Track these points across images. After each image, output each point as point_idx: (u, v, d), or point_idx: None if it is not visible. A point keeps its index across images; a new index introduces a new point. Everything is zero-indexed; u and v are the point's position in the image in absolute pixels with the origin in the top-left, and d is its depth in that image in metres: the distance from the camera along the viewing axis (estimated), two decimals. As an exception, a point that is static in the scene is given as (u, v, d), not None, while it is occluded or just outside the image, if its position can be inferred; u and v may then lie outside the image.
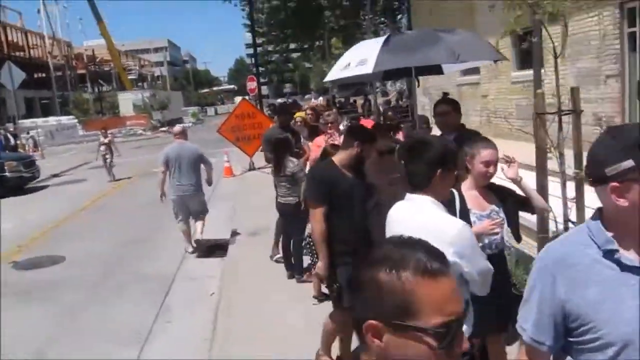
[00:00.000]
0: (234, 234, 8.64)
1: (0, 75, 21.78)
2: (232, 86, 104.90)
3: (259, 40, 25.58)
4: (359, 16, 27.96)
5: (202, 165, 7.91)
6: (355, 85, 26.24)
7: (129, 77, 62.78)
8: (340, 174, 3.67)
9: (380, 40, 4.57)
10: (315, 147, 6.23)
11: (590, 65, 10.70)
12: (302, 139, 7.30)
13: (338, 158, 3.77)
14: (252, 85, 21.96)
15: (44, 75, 60.61)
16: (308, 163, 6.37)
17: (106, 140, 16.23)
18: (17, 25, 58.52)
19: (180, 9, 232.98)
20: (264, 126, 15.19)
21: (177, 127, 8.71)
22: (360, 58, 4.27)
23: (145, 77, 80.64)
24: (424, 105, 18.92)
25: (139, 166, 19.46)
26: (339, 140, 6.18)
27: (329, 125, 6.32)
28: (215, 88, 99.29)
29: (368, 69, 4.11)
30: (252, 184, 12.97)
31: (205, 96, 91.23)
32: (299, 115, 8.59)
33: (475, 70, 16.29)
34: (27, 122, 39.63)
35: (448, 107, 4.23)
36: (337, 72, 5.06)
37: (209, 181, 8.25)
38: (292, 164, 5.81)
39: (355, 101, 28.81)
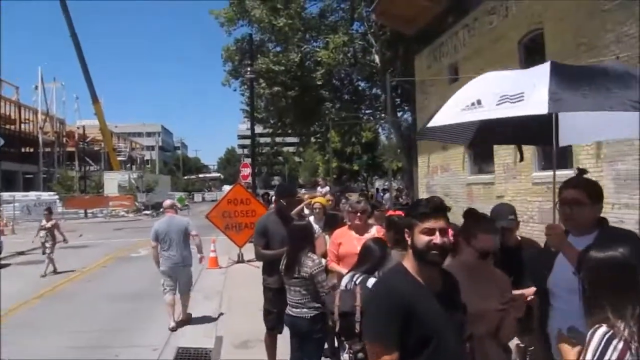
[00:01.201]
0: (219, 341, 6.97)
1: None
2: (217, 174, 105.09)
3: (256, 128, 24.86)
4: (360, 110, 27.64)
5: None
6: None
7: (119, 158, 62.14)
8: (422, 292, 2.23)
9: (537, 70, 2.89)
10: (346, 240, 4.88)
11: (633, 167, 9.62)
12: (315, 230, 5.85)
13: (410, 263, 2.34)
14: (245, 171, 20.81)
15: (31, 150, 60.00)
16: (325, 262, 4.91)
17: (48, 225, 13.48)
18: (12, 98, 58.44)
19: (176, 96, 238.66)
20: (258, 214, 13.81)
21: (168, 201, 8.85)
22: (505, 93, 2.59)
23: (135, 159, 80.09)
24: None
25: (114, 249, 17.77)
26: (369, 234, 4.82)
27: (358, 215, 4.92)
28: (200, 175, 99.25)
29: (531, 107, 2.49)
30: (241, 279, 11.33)
31: (193, 182, 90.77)
32: (318, 200, 7.25)
33: (487, 168, 15.26)
34: (6, 195, 38.38)
35: (581, 194, 2.75)
36: (456, 113, 3.20)
37: (200, 248, 8.44)
38: (311, 262, 4.33)
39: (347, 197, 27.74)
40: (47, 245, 13.21)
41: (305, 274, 4.29)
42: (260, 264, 5.72)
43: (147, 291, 10.40)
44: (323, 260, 4.59)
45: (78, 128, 66.25)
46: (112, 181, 45.48)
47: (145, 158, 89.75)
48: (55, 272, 13.15)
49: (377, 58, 24.87)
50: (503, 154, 13.93)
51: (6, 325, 8.01)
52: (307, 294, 4.32)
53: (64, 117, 68.78)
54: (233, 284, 10.88)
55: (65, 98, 69.02)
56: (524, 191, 13.02)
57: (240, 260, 13.52)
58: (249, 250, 13.87)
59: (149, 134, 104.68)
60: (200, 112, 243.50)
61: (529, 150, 12.93)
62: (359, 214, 4.93)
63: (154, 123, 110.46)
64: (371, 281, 3.48)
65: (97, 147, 67.36)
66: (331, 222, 5.78)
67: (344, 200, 8.72)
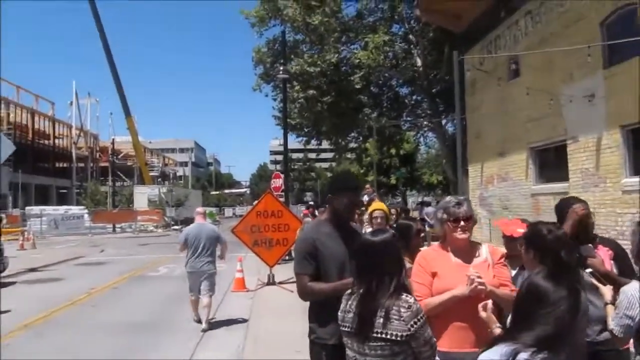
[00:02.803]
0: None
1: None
2: (243, 190, 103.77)
3: (289, 139, 23.16)
4: (400, 118, 25.64)
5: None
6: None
7: (151, 173, 61.46)
8: None
9: None
10: (444, 269, 2.87)
11: None
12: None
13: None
14: (277, 182, 18.98)
15: (65, 165, 60.02)
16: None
17: None
18: (48, 114, 58.61)
19: (210, 112, 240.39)
20: (292, 229, 11.98)
21: (199, 209, 9.34)
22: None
23: (168, 175, 79.56)
24: (480, 219, 15.55)
25: (133, 266, 16.15)
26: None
27: (461, 224, 2.93)
28: (227, 191, 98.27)
29: None
30: (271, 306, 9.45)
31: (225, 198, 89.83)
32: (379, 207, 5.41)
33: (558, 175, 13.08)
34: (36, 209, 37.75)
35: None
36: None
37: (222, 256, 8.96)
38: (406, 307, 2.34)
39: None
40: None
41: (397, 333, 2.36)
42: (294, 287, 3.79)
43: (156, 321, 8.66)
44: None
45: (112, 144, 66.03)
46: (142, 195, 44.38)
47: (178, 174, 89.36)
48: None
49: (419, 61, 22.96)
50: (580, 157, 11.75)
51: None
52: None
53: (97, 132, 68.92)
54: (262, 312, 8.99)
55: (99, 114, 69.24)
56: (611, 202, 10.81)
57: (271, 282, 11.65)
58: (281, 270, 12.08)
59: (182, 150, 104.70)
60: (234, 128, 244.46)
61: (615, 153, 10.78)
62: (461, 223, 2.97)
63: (187, 139, 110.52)
64: None
65: (130, 162, 66.96)
66: (405, 236, 3.78)
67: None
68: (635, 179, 10.17)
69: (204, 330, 7.82)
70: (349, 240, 3.03)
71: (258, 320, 8.35)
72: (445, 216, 3.00)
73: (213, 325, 8.13)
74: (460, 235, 2.92)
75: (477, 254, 2.99)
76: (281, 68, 16.24)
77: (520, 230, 3.35)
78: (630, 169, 10.43)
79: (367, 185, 12.17)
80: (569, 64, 12.05)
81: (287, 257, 13.78)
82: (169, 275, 14.30)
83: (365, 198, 10.97)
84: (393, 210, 6.81)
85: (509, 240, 3.61)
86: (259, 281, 11.93)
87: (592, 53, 11.02)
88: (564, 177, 12.55)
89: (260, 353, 6.46)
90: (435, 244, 3.23)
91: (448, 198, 3.18)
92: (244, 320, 8.44)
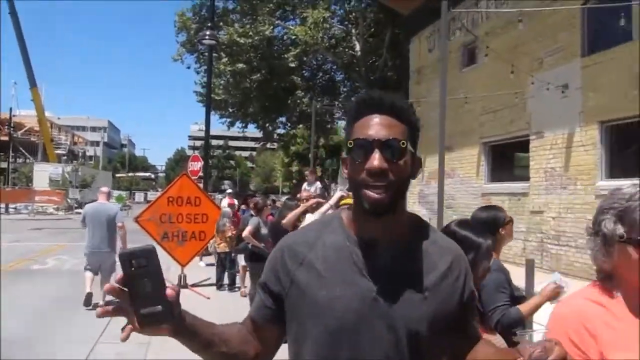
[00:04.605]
0: None
1: None
2: (148, 174, 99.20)
3: (213, 116, 20.80)
4: (334, 104, 23.89)
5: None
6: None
7: (58, 151, 56.36)
8: None
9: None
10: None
11: None
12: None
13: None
14: (196, 166, 16.56)
15: (-44, 138, 53.62)
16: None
17: None
18: None
19: (126, 90, 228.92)
20: (212, 220, 9.88)
21: (104, 188, 8.81)
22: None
23: (77, 154, 73.67)
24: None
25: (16, 257, 13.28)
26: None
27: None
28: (139, 174, 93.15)
29: None
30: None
31: (137, 181, 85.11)
32: (348, 202, 3.67)
33: (517, 174, 11.80)
34: None
35: None
36: None
37: (123, 242, 7.95)
38: None
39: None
40: None
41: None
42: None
43: (26, 340, 6.21)
44: None
45: (10, 114, 59.83)
46: (43, 174, 40.28)
47: (89, 154, 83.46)
48: None
49: (358, 45, 21.32)
50: (546, 155, 10.41)
51: None
52: None
53: (-3, 103, 62.28)
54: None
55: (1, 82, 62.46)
56: (581, 206, 9.53)
57: (183, 284, 9.46)
58: (195, 271, 9.97)
59: (94, 129, 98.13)
60: (151, 109, 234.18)
61: (590, 152, 9.51)
62: None
63: (100, 118, 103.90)
64: None
65: (34, 138, 61.00)
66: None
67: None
68: (613, 182, 8.93)
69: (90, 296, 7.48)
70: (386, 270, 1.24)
71: (163, 338, 6.20)
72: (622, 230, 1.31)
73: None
74: None
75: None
76: (207, 33, 13.87)
77: None
78: (606, 171, 9.20)
79: (308, 172, 10.14)
80: (539, 49, 10.75)
81: (203, 254, 11.65)
82: (57, 269, 11.73)
83: (312, 189, 9.01)
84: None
85: None
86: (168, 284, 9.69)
87: (569, 39, 9.74)
88: (524, 177, 11.26)
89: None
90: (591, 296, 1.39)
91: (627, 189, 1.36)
92: (145, 341, 6.24)
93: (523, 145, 11.43)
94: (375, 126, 1.20)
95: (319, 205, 4.82)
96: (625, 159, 8.91)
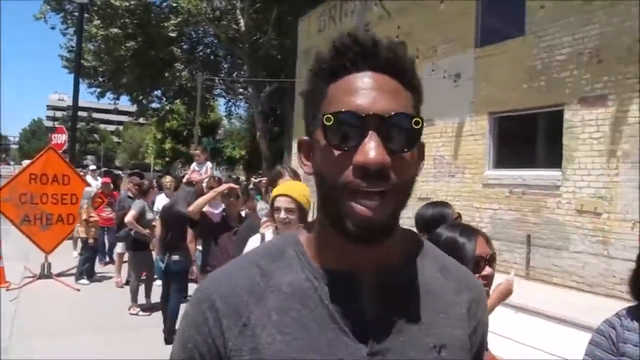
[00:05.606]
0: None
1: None
2: (10, 145, 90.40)
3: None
4: (213, 81, 22.81)
5: None
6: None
7: None
8: None
9: None
10: None
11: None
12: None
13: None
14: (61, 138, 14.87)
15: None
16: None
17: None
18: None
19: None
20: (80, 199, 8.76)
21: None
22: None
23: None
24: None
25: None
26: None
27: None
28: None
29: None
30: (46, 313, 6.30)
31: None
32: (285, 193, 3.10)
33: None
34: None
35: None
36: None
37: None
38: None
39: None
40: None
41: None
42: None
43: None
44: None
45: None
46: None
47: None
48: None
49: (242, 20, 20.45)
50: (435, 142, 10.63)
51: None
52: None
53: None
54: (32, 321, 5.87)
55: None
56: (468, 194, 9.86)
57: (46, 274, 8.29)
58: (61, 257, 8.81)
59: None
60: (4, 74, 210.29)
61: (479, 142, 9.85)
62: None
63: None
64: None
65: None
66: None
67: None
68: (499, 172, 9.32)
69: None
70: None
71: (23, 338, 5.26)
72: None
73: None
74: None
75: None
76: (78, -11, 12.33)
77: None
78: (494, 161, 9.56)
79: (198, 150, 9.21)
80: (433, 37, 10.89)
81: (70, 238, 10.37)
82: None
83: (202, 170, 8.24)
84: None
85: None
86: (27, 272, 8.44)
87: (464, 29, 9.95)
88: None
89: None
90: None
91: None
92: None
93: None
94: (370, 92, 0.73)
95: (231, 192, 4.21)
96: (511, 150, 9.32)
